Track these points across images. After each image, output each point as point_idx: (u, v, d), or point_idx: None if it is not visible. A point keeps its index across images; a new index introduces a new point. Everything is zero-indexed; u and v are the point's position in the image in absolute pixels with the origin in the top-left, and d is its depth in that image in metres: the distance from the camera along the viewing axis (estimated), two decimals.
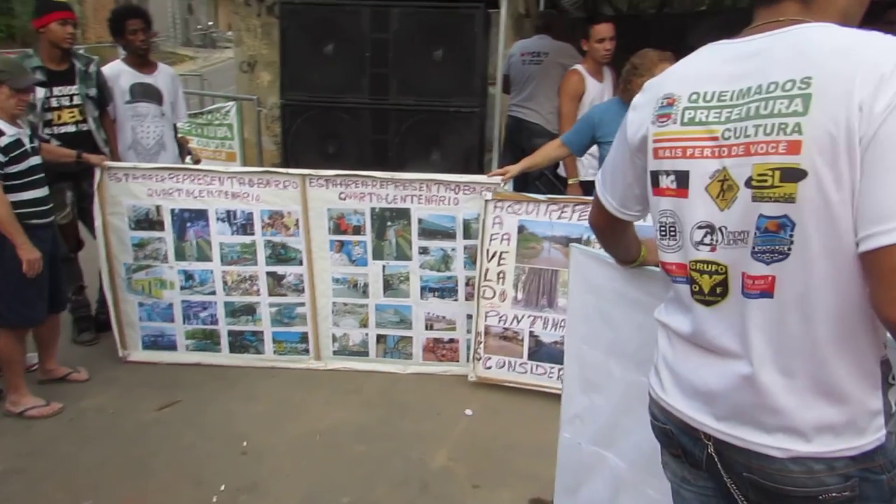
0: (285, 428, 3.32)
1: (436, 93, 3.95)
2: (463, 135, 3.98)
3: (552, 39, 5.12)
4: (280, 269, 3.88)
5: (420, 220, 3.78)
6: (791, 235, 1.02)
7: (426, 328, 3.90)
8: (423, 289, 3.85)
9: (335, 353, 3.98)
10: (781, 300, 1.05)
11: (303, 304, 3.92)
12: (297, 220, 3.81)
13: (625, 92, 3.40)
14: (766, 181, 1.03)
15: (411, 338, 3.92)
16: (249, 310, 3.93)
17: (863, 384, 1.06)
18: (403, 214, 3.77)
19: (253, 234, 3.84)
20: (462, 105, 3.94)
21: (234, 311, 3.94)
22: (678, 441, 1.27)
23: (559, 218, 3.51)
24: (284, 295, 3.91)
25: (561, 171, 4.47)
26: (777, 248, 1.04)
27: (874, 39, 0.99)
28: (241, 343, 3.98)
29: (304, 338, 3.96)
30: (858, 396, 1.06)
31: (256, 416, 3.42)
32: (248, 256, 3.87)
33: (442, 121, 3.98)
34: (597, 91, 4.30)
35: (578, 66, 4.31)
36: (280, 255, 3.87)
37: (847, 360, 1.04)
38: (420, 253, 3.81)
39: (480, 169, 4.04)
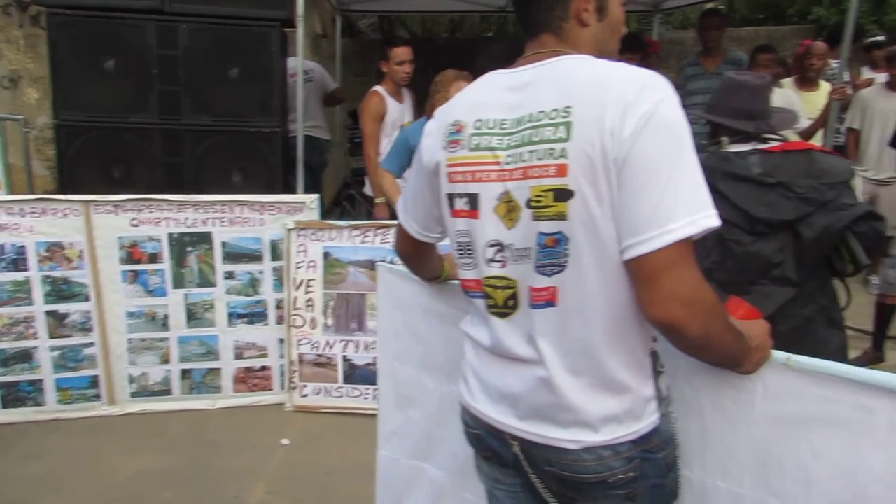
0: (74, 487, 2.96)
1: (234, 113, 3.80)
2: (265, 155, 3.87)
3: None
4: (62, 308, 3.48)
5: (224, 244, 3.60)
6: (566, 249, 1.12)
7: (236, 357, 3.72)
8: (230, 316, 3.67)
9: (133, 395, 3.65)
10: (564, 308, 1.16)
11: (91, 345, 3.54)
12: (81, 252, 3.45)
13: (429, 109, 3.53)
14: (541, 202, 1.13)
15: (220, 369, 3.71)
16: (25, 356, 3.48)
17: (637, 375, 1.19)
18: (205, 238, 3.57)
19: (27, 269, 3.41)
20: (262, 125, 3.84)
21: (5, 360, 3.46)
22: (488, 444, 1.34)
23: (362, 242, 3.55)
24: (68, 336, 3.51)
25: (367, 189, 4.51)
26: (556, 261, 1.14)
27: (620, 71, 1.12)
28: (15, 396, 3.50)
29: (94, 382, 3.58)
30: (634, 387, 1.19)
31: (38, 478, 3.02)
32: (21, 295, 3.43)
33: (242, 141, 3.84)
34: (398, 112, 4.41)
35: (378, 88, 4.39)
36: (62, 291, 3.47)
37: (622, 355, 1.17)
38: (225, 278, 3.63)
39: (286, 189, 3.96)
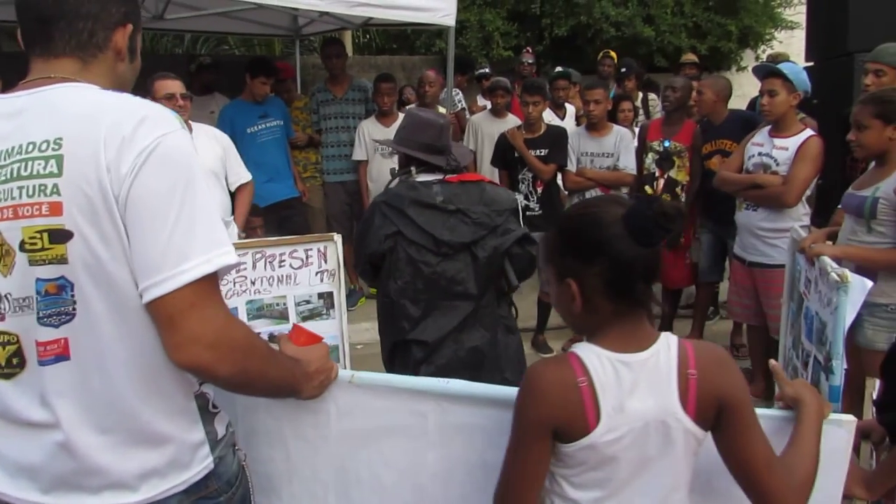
0: None
1: None
2: None
3: None
4: None
5: None
6: (73, 296, 1.02)
7: None
8: None
9: None
10: (79, 361, 1.05)
11: None
12: None
13: None
14: (36, 244, 1.01)
15: None
16: None
17: (180, 422, 1.13)
18: None
19: None
20: None
21: None
22: None
23: None
24: None
25: None
26: (62, 309, 1.03)
27: (122, 103, 1.06)
28: None
29: None
30: (178, 435, 1.12)
31: None
32: None
33: None
34: None
35: None
36: None
37: (156, 404, 1.09)
38: None
39: None
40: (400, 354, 2.31)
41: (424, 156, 2.27)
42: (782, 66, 3.27)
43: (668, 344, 1.16)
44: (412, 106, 5.29)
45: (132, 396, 1.06)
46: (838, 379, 2.04)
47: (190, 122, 3.35)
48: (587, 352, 1.16)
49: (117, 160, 0.98)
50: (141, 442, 1.08)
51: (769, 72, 3.27)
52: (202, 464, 1.14)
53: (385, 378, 1.45)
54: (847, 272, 2.10)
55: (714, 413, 1.14)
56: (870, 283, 2.09)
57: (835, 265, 2.22)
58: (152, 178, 0.99)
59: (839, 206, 2.79)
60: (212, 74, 4.89)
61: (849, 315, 2.05)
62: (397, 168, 2.45)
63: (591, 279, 1.14)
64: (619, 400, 1.12)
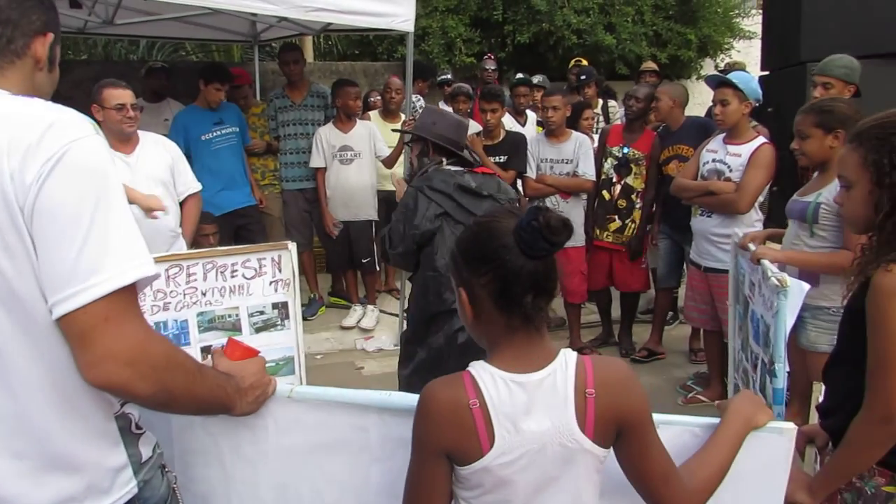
0: None
1: None
2: None
3: None
4: None
5: None
6: None
7: None
8: None
9: None
10: None
11: None
12: None
13: None
14: None
15: None
16: None
17: (98, 445, 1.07)
18: None
19: None
20: None
21: None
22: None
23: None
24: None
25: None
26: None
27: (29, 108, 1.01)
28: None
29: None
30: (95, 459, 1.06)
31: None
32: None
33: None
34: None
35: None
36: None
37: (72, 427, 1.04)
38: None
39: None
40: (440, 323, 2.53)
41: (456, 149, 2.60)
42: (733, 76, 3.32)
43: (565, 363, 1.14)
44: (423, 104, 5.41)
45: (45, 419, 1.00)
46: (781, 382, 2.08)
47: (138, 131, 3.26)
48: (481, 371, 1.14)
49: (22, 168, 0.93)
50: (57, 467, 1.02)
51: (721, 82, 3.32)
52: (124, 488, 1.09)
53: (325, 392, 1.40)
54: (786, 277, 2.14)
55: (614, 431, 1.13)
56: (807, 287, 2.14)
57: (775, 269, 2.26)
58: (60, 186, 0.94)
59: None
60: (162, 79, 4.78)
61: (789, 319, 2.08)
62: (420, 158, 2.69)
63: (479, 289, 1.12)
64: (513, 422, 1.10)
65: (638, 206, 4.26)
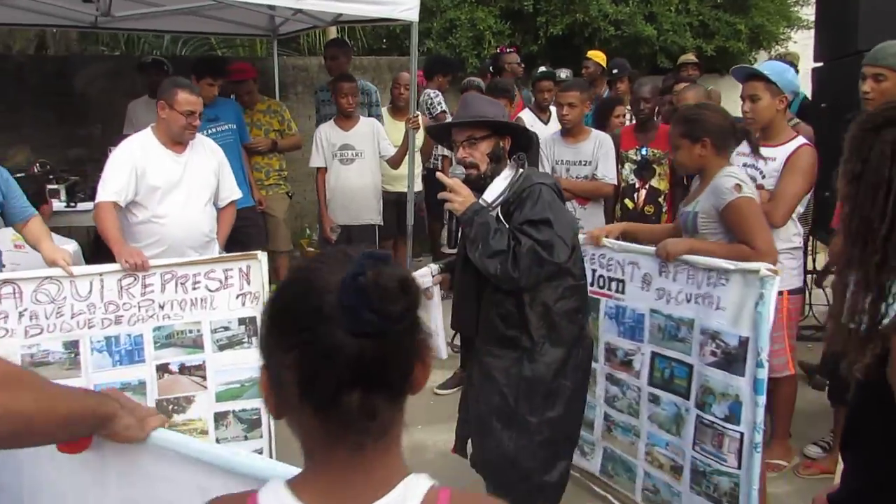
0: None
1: None
2: None
3: None
4: None
5: None
6: None
7: None
8: None
9: None
10: None
11: None
12: None
13: None
14: None
15: None
16: None
17: None
18: None
19: None
20: None
21: None
22: None
23: None
24: None
25: None
26: None
27: None
28: None
29: None
30: None
31: None
32: None
33: None
34: None
35: None
36: None
37: None
38: None
39: None
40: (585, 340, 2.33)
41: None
42: (764, 66, 2.87)
43: (404, 496, 0.77)
44: (441, 100, 5.22)
45: None
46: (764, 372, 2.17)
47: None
48: (273, 500, 0.79)
49: None
50: None
51: (749, 74, 2.87)
52: None
53: (181, 443, 1.13)
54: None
55: None
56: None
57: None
58: None
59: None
60: (156, 74, 4.59)
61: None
62: (493, 156, 2.31)
63: (285, 372, 0.76)
64: None
65: (665, 209, 3.83)
